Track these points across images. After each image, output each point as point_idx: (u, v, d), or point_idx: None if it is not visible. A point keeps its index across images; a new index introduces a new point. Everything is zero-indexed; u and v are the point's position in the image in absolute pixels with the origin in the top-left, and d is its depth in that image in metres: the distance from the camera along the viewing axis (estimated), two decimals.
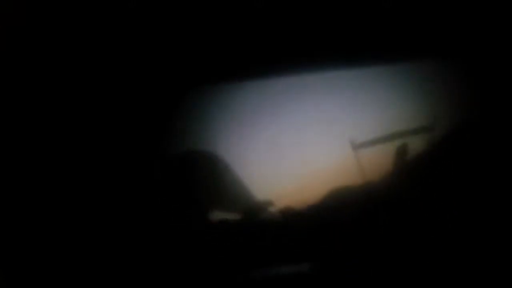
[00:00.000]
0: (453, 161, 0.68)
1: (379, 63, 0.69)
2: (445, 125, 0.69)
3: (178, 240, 0.67)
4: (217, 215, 0.70)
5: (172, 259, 0.67)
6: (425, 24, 0.67)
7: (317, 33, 0.67)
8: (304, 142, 0.69)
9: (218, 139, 0.69)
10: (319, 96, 0.69)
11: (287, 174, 0.69)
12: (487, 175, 0.66)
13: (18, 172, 0.65)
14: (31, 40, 0.63)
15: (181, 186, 0.70)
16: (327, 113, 0.69)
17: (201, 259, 0.67)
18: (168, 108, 0.69)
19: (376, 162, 0.69)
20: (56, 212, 0.66)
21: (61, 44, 0.65)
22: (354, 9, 0.66)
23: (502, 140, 0.67)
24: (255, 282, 0.67)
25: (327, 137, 0.69)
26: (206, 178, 0.70)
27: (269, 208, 0.70)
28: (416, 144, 0.69)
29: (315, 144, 0.69)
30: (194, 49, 0.67)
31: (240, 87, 0.69)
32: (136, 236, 0.66)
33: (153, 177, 0.69)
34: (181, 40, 0.66)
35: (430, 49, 0.69)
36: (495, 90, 0.68)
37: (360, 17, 0.66)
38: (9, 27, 0.62)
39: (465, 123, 0.69)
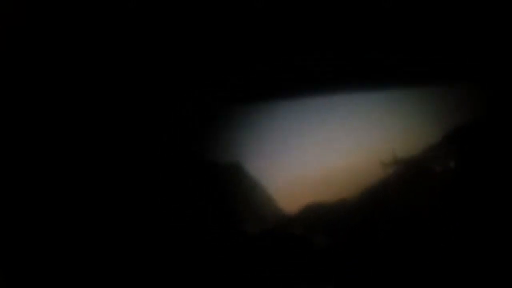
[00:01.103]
0: (479, 185, 0.67)
1: (407, 86, 0.70)
2: (472, 150, 0.69)
3: (203, 250, 0.68)
4: (244, 228, 0.71)
5: (195, 270, 0.67)
6: (456, 48, 0.67)
7: (347, 56, 0.68)
8: (333, 160, 0.71)
9: (250, 155, 0.71)
10: (348, 116, 0.71)
11: (315, 191, 0.70)
12: None
13: (25, 172, 0.65)
14: (31, 40, 0.63)
15: (210, 197, 0.71)
16: (355, 133, 0.71)
17: (227, 270, 0.68)
18: (207, 123, 0.71)
19: (403, 182, 0.70)
20: (74, 213, 0.66)
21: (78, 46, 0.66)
22: (384, 33, 0.66)
23: None
24: None
25: (356, 156, 0.71)
26: (235, 191, 0.72)
27: (295, 225, 0.70)
28: (442, 167, 0.69)
29: (343, 163, 0.71)
30: (234, 70, 0.69)
31: (272, 106, 0.72)
32: (162, 243, 0.67)
33: (185, 186, 0.70)
34: (226, 63, 0.69)
35: (460, 74, 0.69)
36: None
37: (391, 41, 0.67)
38: (9, 27, 0.61)
39: (492, 150, 0.68)
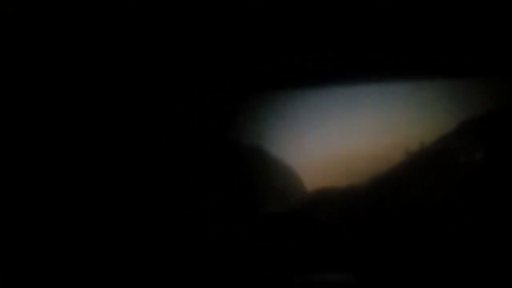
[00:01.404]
0: (503, 172, 0.67)
1: (431, 76, 0.71)
2: (496, 142, 0.69)
3: (225, 229, 0.70)
4: (265, 209, 0.73)
5: (216, 249, 0.69)
6: (481, 39, 0.68)
7: (372, 48, 0.69)
8: (358, 148, 0.73)
9: (273, 138, 0.74)
10: (373, 105, 0.73)
11: (338, 176, 0.72)
12: None
13: (26, 172, 0.65)
14: (31, 40, 0.63)
15: (233, 176, 0.73)
16: (377, 121, 0.73)
17: (247, 250, 0.69)
18: (235, 108, 0.75)
19: (427, 170, 0.70)
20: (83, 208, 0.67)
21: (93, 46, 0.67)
22: (411, 26, 0.67)
23: None
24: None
25: (380, 144, 0.72)
26: (257, 172, 0.75)
27: (317, 208, 0.72)
28: (466, 157, 0.70)
29: (368, 150, 0.72)
30: (263, 59, 0.72)
31: (298, 94, 0.75)
32: (185, 222, 0.69)
33: (210, 167, 0.72)
34: (256, 52, 0.71)
35: (487, 66, 0.70)
36: None
37: (416, 32, 0.68)
38: (9, 27, 0.62)
39: None
